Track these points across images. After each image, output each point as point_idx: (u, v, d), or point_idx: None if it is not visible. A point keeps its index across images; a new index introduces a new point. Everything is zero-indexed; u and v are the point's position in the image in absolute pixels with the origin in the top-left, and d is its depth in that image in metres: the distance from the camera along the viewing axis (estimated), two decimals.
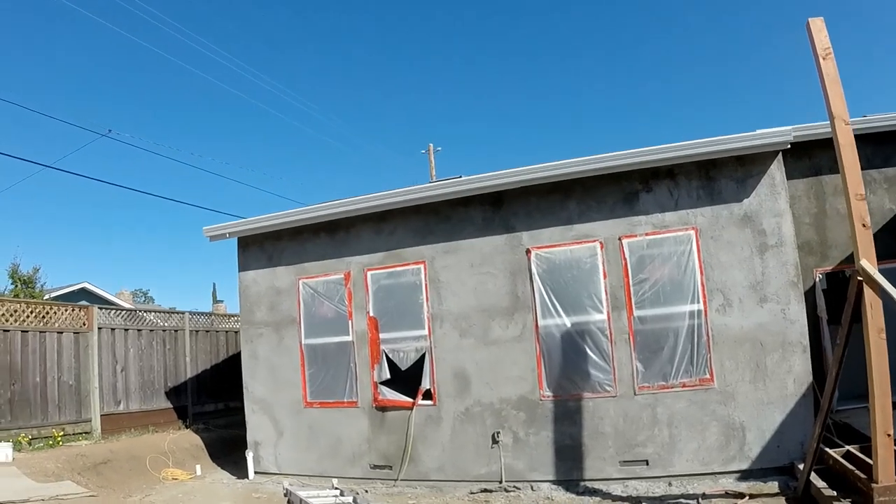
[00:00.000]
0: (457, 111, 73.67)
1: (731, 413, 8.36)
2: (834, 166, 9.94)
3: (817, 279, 9.97)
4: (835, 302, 9.91)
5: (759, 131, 8.80)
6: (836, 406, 8.95)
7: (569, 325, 8.95)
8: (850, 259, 9.86)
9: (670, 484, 8.43)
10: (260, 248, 10.77)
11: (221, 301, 26.71)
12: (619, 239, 8.90)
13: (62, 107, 56.45)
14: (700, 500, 7.68)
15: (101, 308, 12.65)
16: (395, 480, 9.48)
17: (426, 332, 9.56)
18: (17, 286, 17.47)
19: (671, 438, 8.50)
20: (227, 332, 15.82)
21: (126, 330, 12.76)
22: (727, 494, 7.76)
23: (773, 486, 7.95)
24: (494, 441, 9.08)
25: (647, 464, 8.55)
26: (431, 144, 31.35)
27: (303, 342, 10.31)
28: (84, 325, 12.04)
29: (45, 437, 11.01)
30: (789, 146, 8.58)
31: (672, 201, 8.86)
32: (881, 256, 6.08)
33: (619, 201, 9.01)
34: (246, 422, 10.66)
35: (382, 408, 9.71)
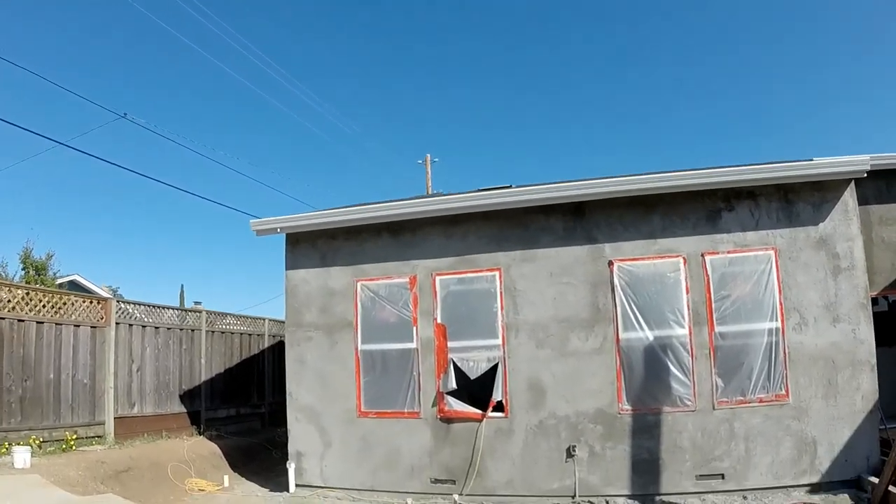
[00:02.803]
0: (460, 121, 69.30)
1: (804, 428, 8.54)
2: (879, 196, 10.57)
3: None
4: (880, 325, 10.37)
5: (836, 158, 9.04)
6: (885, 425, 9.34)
7: (651, 338, 8.89)
8: (894, 285, 10.45)
9: (745, 497, 8.53)
10: (312, 247, 10.13)
11: (199, 302, 24.87)
12: (702, 255, 8.93)
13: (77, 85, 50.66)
14: None
15: (119, 302, 11.57)
16: (459, 495, 9.11)
17: (500, 341, 9.26)
18: (28, 272, 15.89)
19: (747, 453, 8.59)
20: (241, 333, 14.88)
21: (144, 327, 11.72)
22: None
23: (843, 498, 8.25)
24: (569, 455, 8.88)
25: (723, 478, 8.59)
26: (429, 155, 30.02)
27: (359, 348, 9.76)
28: (102, 318, 10.96)
29: (57, 440, 9.95)
30: (865, 174, 8.87)
31: (753, 221, 8.98)
32: None
33: (701, 218, 9.06)
34: (288, 431, 9.96)
35: (448, 419, 9.32)
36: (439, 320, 9.51)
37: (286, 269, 10.29)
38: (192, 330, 13.15)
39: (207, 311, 13.63)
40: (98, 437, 10.66)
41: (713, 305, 8.84)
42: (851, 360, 8.62)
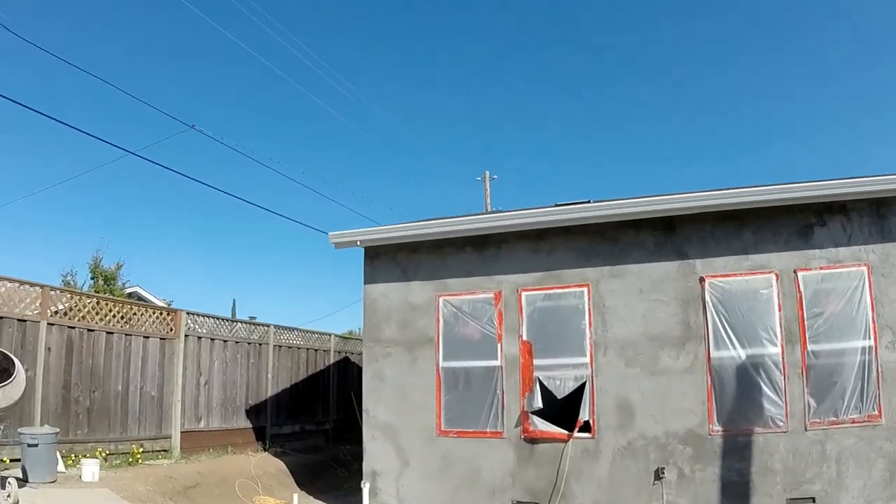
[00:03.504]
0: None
1: None
2: None
3: None
4: None
5: None
6: None
7: (743, 357, 8.72)
8: None
9: None
10: (391, 260, 9.97)
11: (255, 317, 24.56)
12: (795, 272, 8.77)
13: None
14: None
15: (188, 314, 11.35)
16: None
17: (587, 359, 9.08)
18: (97, 282, 15.73)
19: (839, 475, 8.40)
20: (307, 349, 14.71)
21: (212, 339, 11.58)
22: None
23: None
24: (658, 477, 8.69)
25: (814, 501, 8.39)
26: (487, 172, 29.64)
27: (440, 365, 9.58)
28: (171, 330, 10.82)
29: (123, 453, 9.79)
30: None
31: (845, 236, 8.83)
32: None
33: (793, 234, 8.91)
34: (363, 449, 9.77)
35: (532, 439, 9.14)
36: (525, 337, 9.33)
37: (364, 283, 10.13)
38: (260, 344, 13.01)
39: (275, 326, 13.44)
40: (164, 450, 10.49)
41: (806, 323, 8.67)
42: None
